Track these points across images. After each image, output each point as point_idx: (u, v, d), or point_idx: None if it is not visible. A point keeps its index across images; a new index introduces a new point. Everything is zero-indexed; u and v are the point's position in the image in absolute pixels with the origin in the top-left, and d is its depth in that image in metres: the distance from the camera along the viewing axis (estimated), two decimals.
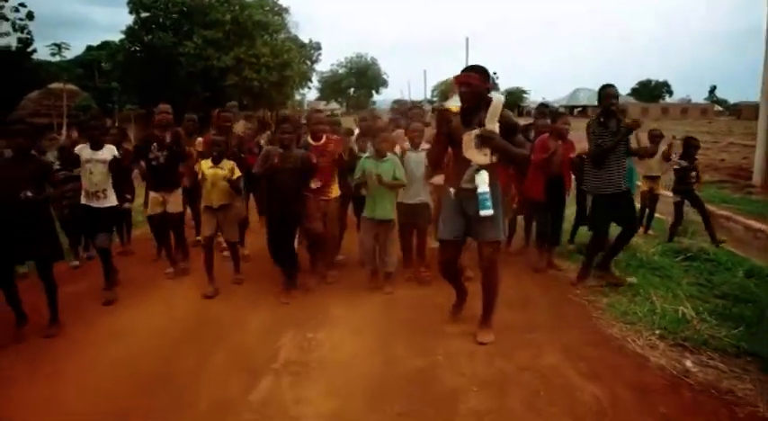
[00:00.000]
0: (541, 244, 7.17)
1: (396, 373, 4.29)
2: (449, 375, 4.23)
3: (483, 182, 4.51)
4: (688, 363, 4.37)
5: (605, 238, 6.43)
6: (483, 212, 4.49)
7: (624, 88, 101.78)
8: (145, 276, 6.90)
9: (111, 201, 6.48)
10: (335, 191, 6.65)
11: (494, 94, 4.54)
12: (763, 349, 4.48)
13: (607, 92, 6.01)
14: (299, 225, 6.43)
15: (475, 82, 4.49)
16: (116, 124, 43.86)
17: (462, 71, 4.63)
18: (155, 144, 6.85)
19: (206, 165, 6.43)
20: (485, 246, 4.78)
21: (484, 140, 4.50)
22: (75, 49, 62.86)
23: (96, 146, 6.38)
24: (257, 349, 4.74)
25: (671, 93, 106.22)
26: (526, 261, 7.29)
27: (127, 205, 7.91)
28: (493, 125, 4.50)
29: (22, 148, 5.13)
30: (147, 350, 4.84)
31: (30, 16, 38.05)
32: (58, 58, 51.96)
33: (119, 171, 7.26)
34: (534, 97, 76.27)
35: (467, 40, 46.35)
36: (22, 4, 37.47)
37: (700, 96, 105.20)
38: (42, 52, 51.93)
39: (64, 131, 38.66)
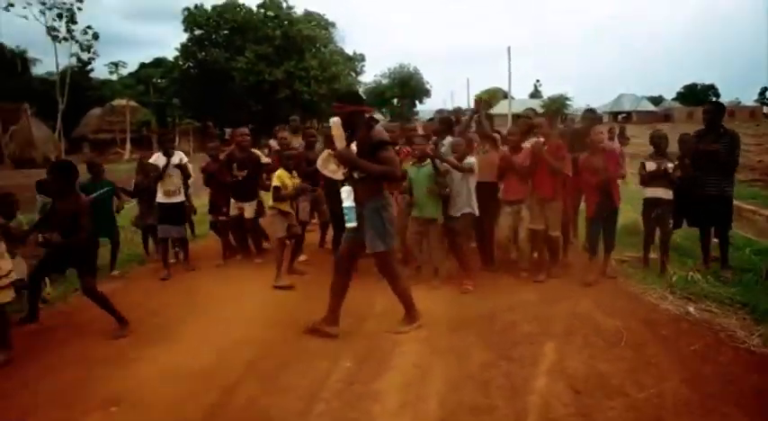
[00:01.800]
0: (591, 254, 7.21)
1: (467, 315, 5.73)
2: (507, 315, 5.66)
3: (346, 197, 5.16)
4: (690, 308, 5.70)
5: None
6: (347, 225, 5.21)
7: (670, 92, 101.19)
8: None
9: (182, 197, 8.03)
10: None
11: (331, 119, 5.21)
12: (753, 300, 5.79)
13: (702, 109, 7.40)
14: None
15: (339, 109, 5.22)
16: (176, 137, 45.76)
17: (335, 100, 5.51)
18: (234, 164, 8.08)
19: (286, 175, 7.31)
20: (373, 257, 5.40)
21: (340, 159, 5.19)
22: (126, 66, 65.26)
23: (169, 154, 7.89)
24: (358, 303, 6.20)
25: (718, 96, 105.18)
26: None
27: (222, 218, 8.66)
28: (341, 144, 5.12)
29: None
30: (275, 303, 6.39)
31: (95, 37, 40.76)
32: (115, 76, 54.86)
33: (215, 184, 8.69)
34: (578, 104, 76.28)
35: (508, 49, 47.15)
36: (89, 27, 40.21)
37: (750, 99, 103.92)
38: (99, 70, 54.31)
39: (127, 146, 41.12)
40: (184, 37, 47.86)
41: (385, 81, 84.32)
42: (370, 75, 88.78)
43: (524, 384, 4.16)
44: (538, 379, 4.23)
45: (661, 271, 6.97)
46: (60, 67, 41.45)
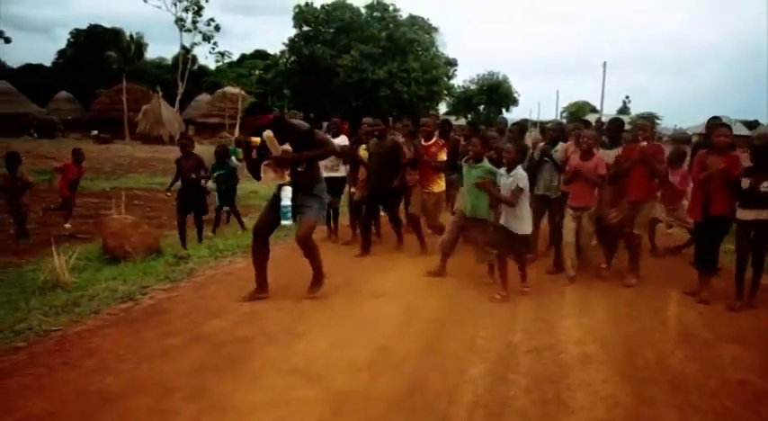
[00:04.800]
0: (698, 268, 6.74)
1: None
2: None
3: (285, 197, 5.71)
4: None
5: None
6: (284, 222, 5.81)
7: (763, 118, 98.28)
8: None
9: (342, 172, 9.19)
10: (437, 187, 8.36)
11: (264, 133, 5.61)
12: None
13: None
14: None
15: (254, 122, 5.77)
16: None
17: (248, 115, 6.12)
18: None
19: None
20: (307, 226, 5.95)
21: (280, 164, 5.73)
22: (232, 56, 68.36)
23: (335, 136, 9.21)
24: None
25: None
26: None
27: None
28: (277, 151, 5.63)
29: (189, 149, 9.69)
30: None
31: (217, 28, 44.04)
32: (221, 65, 58.13)
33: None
34: (666, 123, 75.56)
35: (604, 64, 47.91)
36: (212, 19, 43.49)
37: None
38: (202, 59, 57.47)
39: (236, 131, 43.97)
40: (276, 30, 50.93)
41: (473, 87, 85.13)
42: (459, 79, 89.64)
43: (660, 308, 6.04)
44: (671, 305, 6.11)
45: (752, 295, 6.32)
46: (173, 54, 44.85)
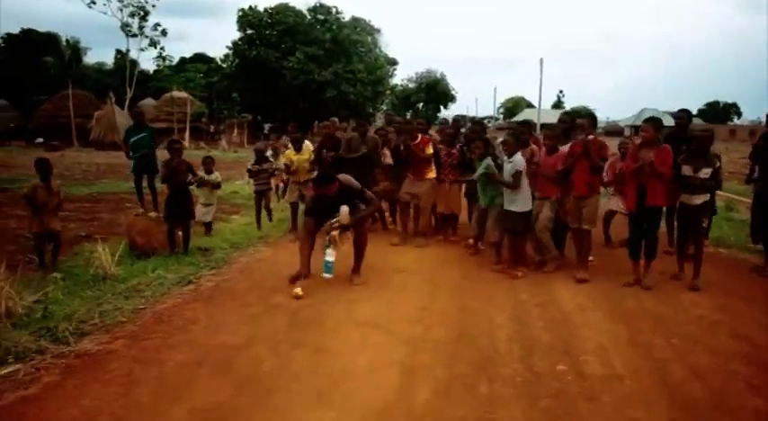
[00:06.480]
0: (631, 258, 7.15)
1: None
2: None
3: (330, 254, 6.72)
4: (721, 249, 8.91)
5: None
6: (325, 275, 6.69)
7: (691, 109, 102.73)
8: None
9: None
10: (430, 174, 9.14)
11: (342, 211, 6.65)
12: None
13: None
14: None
15: (325, 192, 6.64)
16: (221, 128, 48.14)
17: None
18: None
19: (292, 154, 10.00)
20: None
21: (345, 230, 6.76)
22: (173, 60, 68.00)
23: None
24: None
25: (740, 114, 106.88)
26: None
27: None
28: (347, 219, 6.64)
29: (180, 154, 8.79)
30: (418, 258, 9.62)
31: (164, 33, 44.28)
32: (161, 68, 57.88)
33: None
34: (600, 117, 78.80)
35: (541, 60, 49.62)
36: (158, 24, 43.72)
37: None
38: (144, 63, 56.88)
39: (186, 136, 44.25)
40: (213, 32, 51.00)
41: (412, 85, 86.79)
42: (398, 78, 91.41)
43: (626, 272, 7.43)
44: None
45: (694, 276, 6.97)
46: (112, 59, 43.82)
